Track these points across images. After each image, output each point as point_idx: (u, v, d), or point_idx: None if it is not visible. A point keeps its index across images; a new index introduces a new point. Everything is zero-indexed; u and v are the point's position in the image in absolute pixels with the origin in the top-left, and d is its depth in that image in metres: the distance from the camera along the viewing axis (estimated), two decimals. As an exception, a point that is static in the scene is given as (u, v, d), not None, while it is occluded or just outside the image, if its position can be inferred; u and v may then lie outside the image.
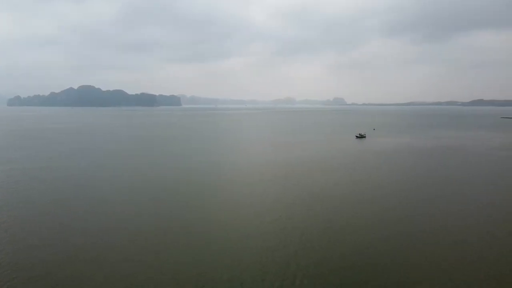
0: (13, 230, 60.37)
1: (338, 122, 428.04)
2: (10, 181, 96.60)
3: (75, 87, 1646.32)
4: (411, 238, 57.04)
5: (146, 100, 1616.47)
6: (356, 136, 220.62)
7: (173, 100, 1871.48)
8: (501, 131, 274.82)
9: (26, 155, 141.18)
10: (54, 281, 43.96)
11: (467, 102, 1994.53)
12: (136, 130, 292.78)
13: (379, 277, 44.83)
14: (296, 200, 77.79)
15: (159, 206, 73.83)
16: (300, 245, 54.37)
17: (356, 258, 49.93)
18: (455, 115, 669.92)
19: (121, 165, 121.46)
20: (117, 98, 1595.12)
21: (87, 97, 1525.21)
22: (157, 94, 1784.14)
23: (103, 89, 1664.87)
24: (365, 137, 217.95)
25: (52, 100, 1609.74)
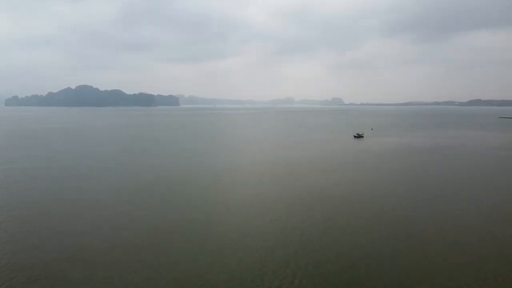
0: (12, 230, 60.18)
1: (336, 122, 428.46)
2: (9, 181, 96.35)
3: (73, 87, 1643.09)
4: (411, 238, 57.05)
5: (144, 100, 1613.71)
6: (354, 136, 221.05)
7: (171, 100, 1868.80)
8: (499, 131, 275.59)
9: (25, 155, 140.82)
10: (53, 281, 43.81)
11: (465, 102, 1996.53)
12: (135, 130, 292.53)
13: (378, 277, 44.83)
14: (296, 200, 77.79)
15: (159, 206, 73.72)
16: (299, 245, 54.34)
17: (355, 258, 49.92)
18: (453, 115, 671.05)
19: (120, 165, 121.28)
20: (115, 98, 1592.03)
21: (84, 97, 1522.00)
22: (155, 94, 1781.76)
23: (101, 89, 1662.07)
24: (363, 137, 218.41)
25: (50, 100, 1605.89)
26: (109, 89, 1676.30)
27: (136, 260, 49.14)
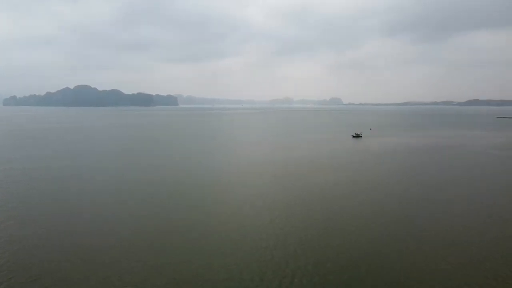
0: (11, 230, 60.11)
1: (335, 122, 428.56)
2: (9, 181, 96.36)
3: (71, 87, 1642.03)
4: (410, 238, 57.11)
5: (143, 100, 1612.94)
6: (353, 136, 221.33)
7: (170, 100, 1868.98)
8: (497, 131, 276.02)
9: (24, 155, 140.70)
10: (52, 281, 43.79)
11: (463, 102, 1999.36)
12: (134, 130, 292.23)
13: (378, 277, 44.91)
14: (295, 200, 77.85)
15: (158, 206, 73.70)
16: (299, 244, 54.40)
17: (355, 258, 50.01)
18: (451, 115, 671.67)
19: (120, 165, 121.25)
20: (113, 98, 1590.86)
21: (83, 97, 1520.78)
22: (153, 94, 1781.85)
23: (100, 89, 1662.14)
24: (361, 136, 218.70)
25: (48, 100, 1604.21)
26: (107, 89, 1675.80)
27: (135, 260, 49.17)
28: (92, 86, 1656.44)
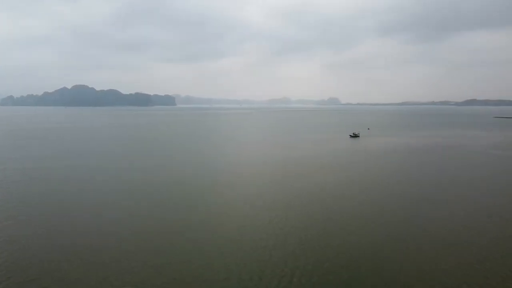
0: (11, 229, 59.79)
1: (333, 121, 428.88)
2: (8, 180, 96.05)
3: (69, 86, 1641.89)
4: (410, 238, 57.03)
5: (141, 100, 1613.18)
6: (350, 136, 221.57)
7: (167, 100, 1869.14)
8: (495, 131, 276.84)
9: (24, 155, 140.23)
10: (51, 281, 43.55)
11: (460, 102, 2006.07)
12: (133, 130, 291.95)
13: (378, 277, 44.82)
14: (295, 200, 77.76)
15: (158, 206, 73.51)
16: (298, 244, 54.29)
17: (354, 258, 49.91)
18: (449, 114, 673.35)
19: (119, 165, 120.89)
20: (111, 98, 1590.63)
21: (81, 96, 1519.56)
22: (151, 94, 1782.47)
23: (97, 88, 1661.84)
24: (359, 136, 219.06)
25: (46, 100, 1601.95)
26: (105, 89, 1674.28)
27: (135, 260, 48.97)
28: (90, 86, 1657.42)
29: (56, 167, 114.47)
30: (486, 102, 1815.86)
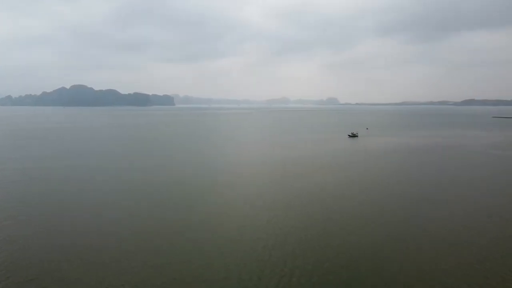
0: (10, 229, 59.71)
1: (331, 121, 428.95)
2: (7, 180, 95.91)
3: (67, 86, 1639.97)
4: (410, 238, 57.05)
5: (139, 99, 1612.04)
6: (349, 135, 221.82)
7: (166, 100, 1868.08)
8: (494, 130, 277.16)
9: (24, 155, 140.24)
10: (52, 281, 43.47)
11: (459, 102, 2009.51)
12: (132, 130, 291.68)
13: (378, 277, 44.81)
14: (294, 200, 77.77)
15: (157, 206, 73.45)
16: (297, 244, 54.29)
17: (354, 258, 49.92)
18: (447, 114, 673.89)
19: (119, 165, 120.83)
20: (110, 98, 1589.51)
21: (79, 96, 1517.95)
22: (150, 93, 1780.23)
23: (96, 88, 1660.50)
24: (357, 136, 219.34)
25: (44, 99, 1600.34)
26: (104, 89, 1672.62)
27: (135, 260, 48.90)
28: (89, 86, 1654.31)
29: (56, 167, 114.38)
30: (484, 102, 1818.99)
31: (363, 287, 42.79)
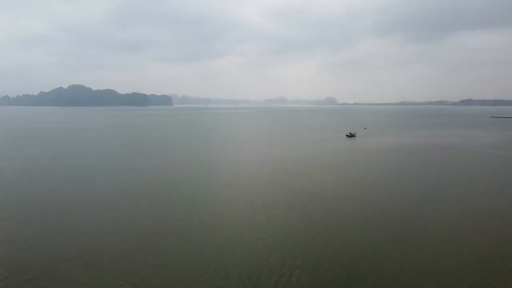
0: (10, 230, 59.59)
1: (330, 121, 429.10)
2: (7, 180, 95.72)
3: (65, 86, 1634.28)
4: (410, 238, 57.12)
5: (137, 99, 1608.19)
6: (347, 135, 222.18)
7: (164, 100, 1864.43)
8: (492, 130, 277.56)
9: (24, 155, 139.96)
10: (52, 281, 43.42)
11: (457, 102, 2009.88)
12: (132, 130, 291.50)
13: (378, 277, 44.85)
14: (294, 200, 77.79)
15: (157, 206, 73.41)
16: (297, 244, 54.30)
17: (354, 258, 49.95)
18: (445, 114, 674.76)
19: (119, 165, 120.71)
20: (107, 98, 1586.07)
21: (77, 96, 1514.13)
22: (148, 93, 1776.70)
23: (94, 88, 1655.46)
24: (355, 136, 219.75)
25: (42, 99, 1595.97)
26: (101, 89, 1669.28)
27: (135, 260, 48.86)
28: (87, 86, 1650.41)
29: (56, 167, 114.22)
30: (482, 102, 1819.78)
31: (363, 287, 42.84)
